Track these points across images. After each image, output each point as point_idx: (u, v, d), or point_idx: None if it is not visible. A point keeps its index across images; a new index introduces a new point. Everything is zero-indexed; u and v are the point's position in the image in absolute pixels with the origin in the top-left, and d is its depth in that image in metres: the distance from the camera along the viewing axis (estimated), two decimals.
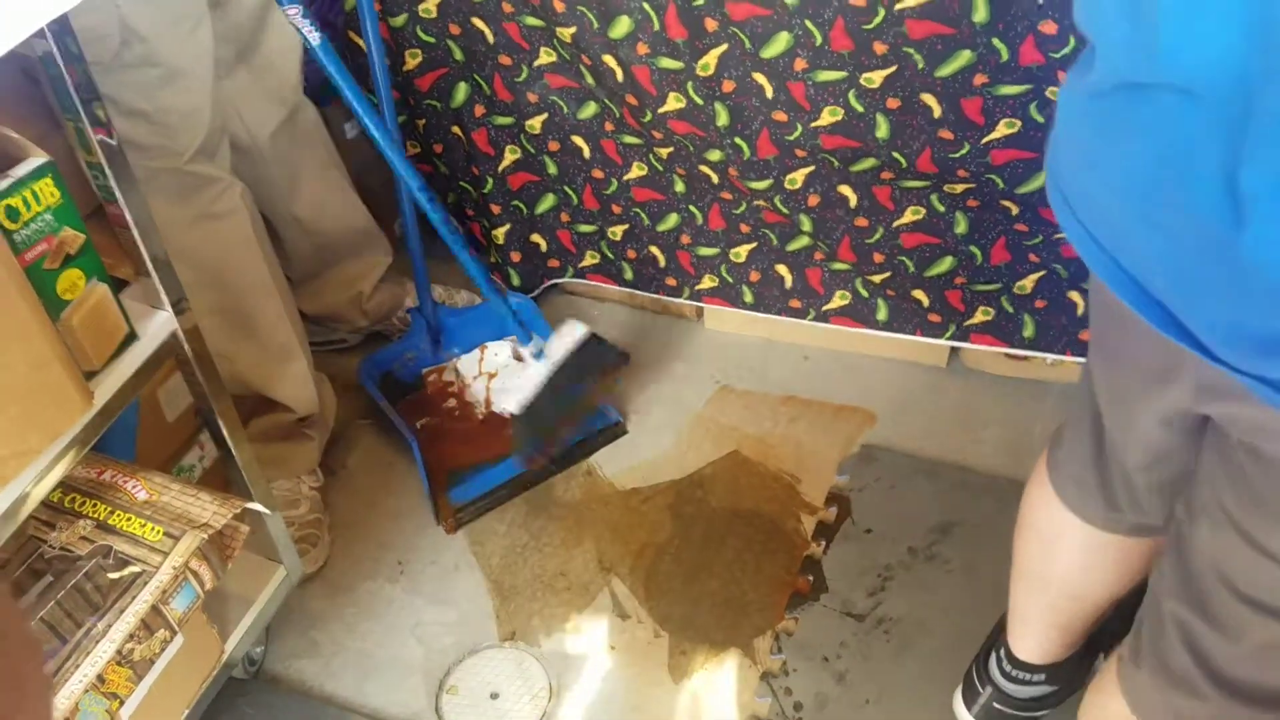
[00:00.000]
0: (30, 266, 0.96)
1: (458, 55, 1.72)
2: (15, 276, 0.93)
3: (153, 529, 1.17)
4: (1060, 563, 1.19)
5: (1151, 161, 0.64)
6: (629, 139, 1.75)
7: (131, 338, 1.11)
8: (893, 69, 1.42)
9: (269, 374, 1.61)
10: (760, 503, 1.73)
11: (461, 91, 1.77)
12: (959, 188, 1.58)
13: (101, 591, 1.15)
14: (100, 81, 1.28)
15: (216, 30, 1.45)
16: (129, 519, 1.18)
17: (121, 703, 1.19)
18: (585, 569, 1.67)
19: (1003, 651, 1.37)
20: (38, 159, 0.94)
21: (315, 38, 1.39)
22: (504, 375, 1.83)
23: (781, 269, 1.83)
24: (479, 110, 1.79)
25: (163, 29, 1.32)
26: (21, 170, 0.93)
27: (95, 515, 1.22)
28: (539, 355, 1.72)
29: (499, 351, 1.86)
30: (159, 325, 1.14)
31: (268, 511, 1.34)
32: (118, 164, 1.02)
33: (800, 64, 1.45)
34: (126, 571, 1.16)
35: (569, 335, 1.73)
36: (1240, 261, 0.59)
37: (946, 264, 1.70)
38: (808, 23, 1.40)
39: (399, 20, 1.69)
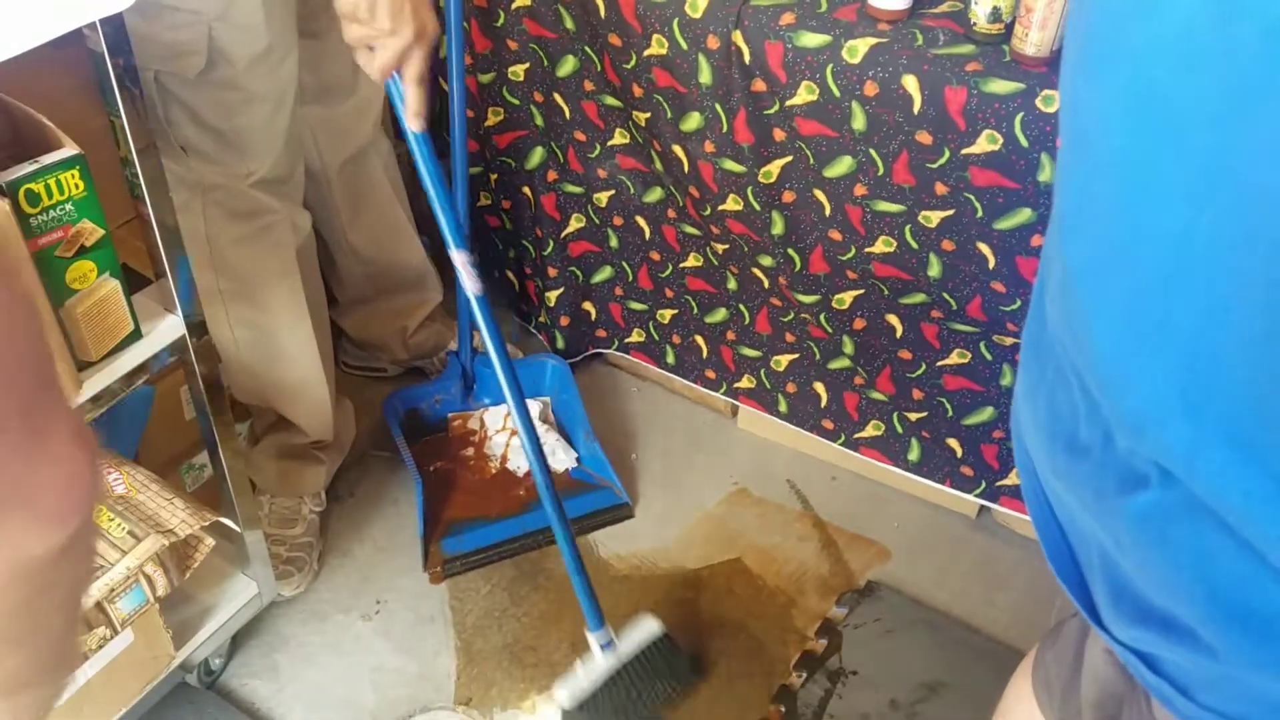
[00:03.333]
0: (42, 251, 0.99)
1: (538, 121, 1.74)
2: (21, 257, 0.95)
3: (119, 525, 1.18)
4: None
5: (1059, 412, 0.60)
6: (689, 229, 1.74)
7: (135, 335, 1.13)
8: (951, 212, 1.38)
9: (288, 396, 1.63)
10: (749, 618, 1.68)
11: (537, 155, 1.79)
12: (1008, 340, 1.53)
13: None
14: (182, 92, 1.33)
15: (309, 68, 1.49)
16: (98, 511, 1.19)
17: None
18: (557, 648, 1.63)
19: None
20: (69, 150, 0.97)
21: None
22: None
23: (819, 386, 1.79)
24: (551, 175, 1.81)
25: (251, 56, 1.33)
26: (49, 159, 0.96)
27: None
28: (607, 646, 1.48)
29: (529, 409, 1.84)
30: (168, 327, 1.16)
31: (237, 528, 1.34)
32: (149, 164, 1.05)
33: (860, 190, 1.43)
34: None
35: (642, 631, 1.51)
36: (1128, 526, 0.55)
37: (987, 414, 1.64)
38: (872, 151, 1.38)
39: (487, 77, 1.72)
